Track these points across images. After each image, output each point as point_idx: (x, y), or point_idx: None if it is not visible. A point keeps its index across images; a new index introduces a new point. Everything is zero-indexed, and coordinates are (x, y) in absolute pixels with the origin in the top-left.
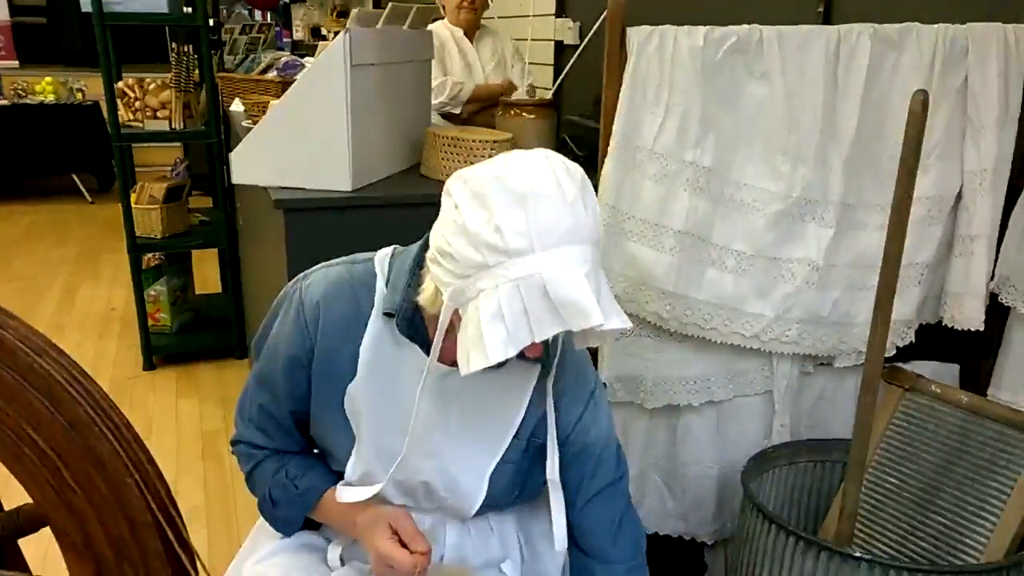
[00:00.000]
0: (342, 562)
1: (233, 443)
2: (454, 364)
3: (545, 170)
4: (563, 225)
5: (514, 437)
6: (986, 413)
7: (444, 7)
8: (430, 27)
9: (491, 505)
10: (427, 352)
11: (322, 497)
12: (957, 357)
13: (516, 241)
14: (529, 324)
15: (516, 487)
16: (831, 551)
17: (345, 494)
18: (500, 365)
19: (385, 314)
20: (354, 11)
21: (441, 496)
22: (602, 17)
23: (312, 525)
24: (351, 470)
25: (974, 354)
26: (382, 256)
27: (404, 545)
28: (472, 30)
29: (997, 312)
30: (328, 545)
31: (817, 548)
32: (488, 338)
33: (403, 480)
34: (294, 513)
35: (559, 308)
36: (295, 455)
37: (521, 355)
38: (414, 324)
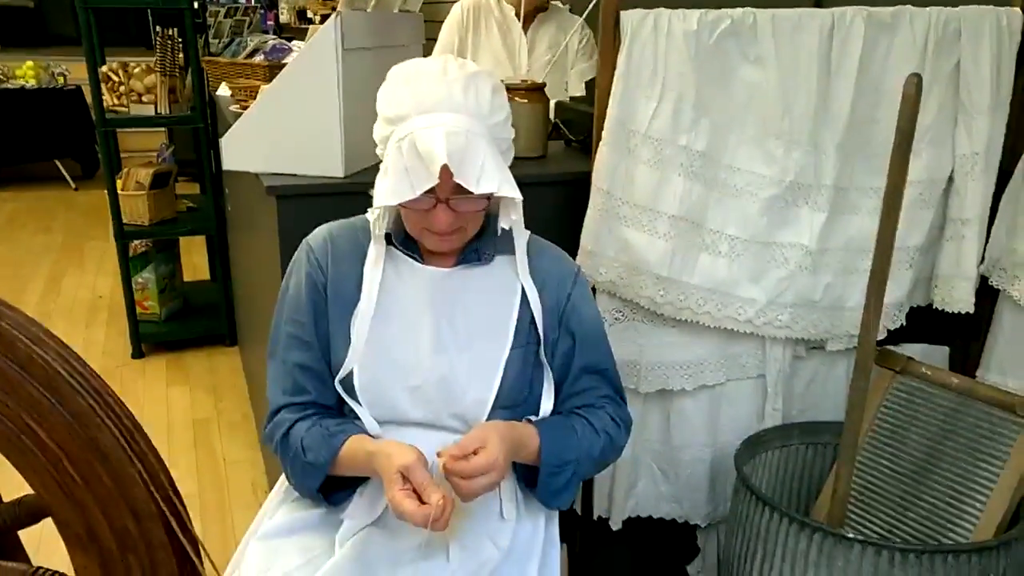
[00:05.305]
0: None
1: (270, 418)
2: (442, 264)
3: (438, 60)
4: (437, 94)
5: (518, 321)
6: (975, 395)
7: None
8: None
9: (504, 406)
10: (422, 261)
11: (348, 441)
12: (947, 339)
13: (399, 109)
14: (409, 179)
15: (526, 380)
16: (824, 532)
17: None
18: (484, 264)
19: (388, 240)
20: None
21: (460, 390)
22: (595, 0)
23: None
24: (357, 378)
25: (964, 336)
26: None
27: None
28: (531, 11)
29: (987, 295)
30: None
31: (810, 529)
32: (378, 189)
33: (419, 385)
34: (321, 455)
35: (423, 157)
36: (330, 417)
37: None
38: (408, 240)
